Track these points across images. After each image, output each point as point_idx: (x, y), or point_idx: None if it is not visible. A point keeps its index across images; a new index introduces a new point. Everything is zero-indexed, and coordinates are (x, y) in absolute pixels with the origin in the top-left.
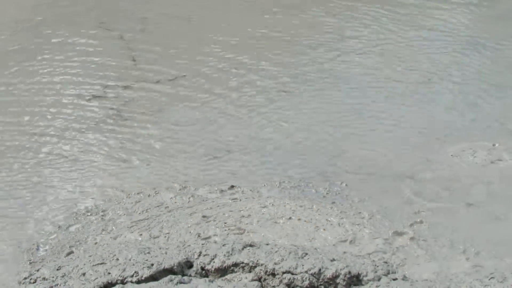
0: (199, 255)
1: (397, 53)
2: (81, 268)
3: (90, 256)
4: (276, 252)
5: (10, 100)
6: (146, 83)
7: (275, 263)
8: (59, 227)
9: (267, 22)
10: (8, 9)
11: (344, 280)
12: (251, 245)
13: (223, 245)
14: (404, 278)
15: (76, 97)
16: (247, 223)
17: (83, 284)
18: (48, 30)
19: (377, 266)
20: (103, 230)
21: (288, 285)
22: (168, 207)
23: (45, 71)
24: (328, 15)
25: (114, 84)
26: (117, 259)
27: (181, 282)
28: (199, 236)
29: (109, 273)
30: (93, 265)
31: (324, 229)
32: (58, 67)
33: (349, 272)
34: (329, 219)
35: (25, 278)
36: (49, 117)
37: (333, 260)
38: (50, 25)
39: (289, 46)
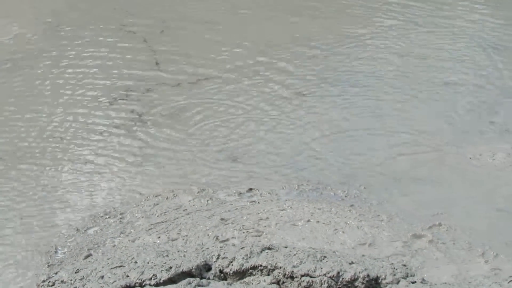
0: (218, 258)
1: (416, 57)
2: (100, 271)
3: (109, 259)
4: (294, 255)
5: (30, 102)
6: (167, 86)
7: (294, 266)
8: (77, 230)
9: (288, 25)
10: (29, 12)
11: (362, 283)
12: (269, 248)
13: (242, 248)
14: (423, 281)
15: (97, 100)
16: (265, 226)
17: (101, 287)
18: (69, 33)
19: (396, 269)
20: (121, 232)
21: None
22: (186, 209)
23: (67, 74)
24: (348, 20)
25: (136, 86)
26: (136, 262)
27: (199, 285)
28: (217, 238)
29: (128, 276)
30: (112, 268)
31: (343, 232)
32: (80, 70)
33: (368, 275)
34: (348, 221)
35: (43, 281)
36: (69, 120)
37: (351, 263)
38: (71, 28)
39: (309, 50)
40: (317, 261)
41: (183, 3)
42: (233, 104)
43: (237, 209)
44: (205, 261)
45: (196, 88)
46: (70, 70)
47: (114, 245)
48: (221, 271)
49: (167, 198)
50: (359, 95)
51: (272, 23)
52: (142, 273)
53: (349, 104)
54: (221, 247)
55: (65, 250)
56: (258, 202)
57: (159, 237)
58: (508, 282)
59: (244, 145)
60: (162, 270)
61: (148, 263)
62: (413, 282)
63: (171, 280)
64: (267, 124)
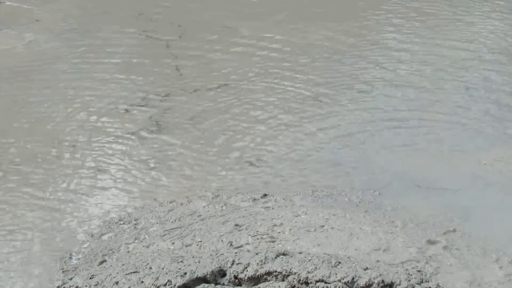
0: (232, 264)
1: (433, 62)
2: (114, 277)
3: (123, 264)
4: (309, 260)
5: (45, 108)
6: (185, 92)
7: (308, 272)
8: (92, 235)
9: (304, 30)
10: (51, 16)
11: None
12: (284, 254)
13: (256, 254)
14: (438, 287)
15: (115, 106)
16: (279, 232)
17: None
18: (90, 37)
19: (411, 275)
20: (135, 238)
21: None
22: (200, 215)
23: (85, 79)
24: (364, 26)
25: (155, 92)
26: (150, 268)
27: None
28: (231, 244)
29: (142, 281)
30: (126, 274)
31: (357, 238)
32: (101, 74)
33: (383, 281)
34: (362, 227)
35: (58, 287)
36: (87, 125)
37: (366, 268)
38: (92, 31)
39: (327, 54)
40: (332, 267)
41: (201, 9)
42: (249, 111)
43: (251, 215)
44: (219, 266)
45: (213, 95)
46: (87, 75)
47: (129, 251)
48: (235, 277)
49: (181, 204)
50: (375, 100)
51: (289, 27)
52: (157, 278)
53: (365, 109)
54: (235, 253)
55: (80, 256)
56: (273, 208)
57: (173, 243)
58: None
59: (259, 151)
60: (177, 276)
61: (163, 269)
62: None
63: (186, 286)
64: (282, 130)
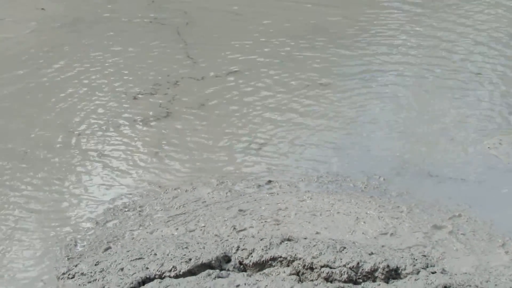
0: (237, 250)
1: (442, 48)
2: (119, 263)
3: (128, 251)
4: (314, 246)
5: (52, 95)
6: (194, 79)
7: (313, 257)
8: (97, 223)
9: (310, 14)
10: (56, 5)
11: (382, 273)
12: (289, 239)
13: (261, 239)
14: (443, 271)
15: (122, 93)
16: (284, 216)
17: (121, 279)
18: (97, 25)
19: (416, 260)
20: (140, 225)
21: (326, 279)
22: (205, 202)
23: (96, 65)
24: (372, 12)
25: (163, 79)
26: (155, 254)
27: (219, 277)
28: (234, 228)
29: (147, 268)
30: (131, 260)
31: (364, 222)
32: (109, 61)
33: (388, 266)
34: (368, 212)
35: (64, 274)
36: (94, 112)
37: (371, 253)
38: (99, 20)
39: (336, 40)
40: (337, 252)
41: None
42: (257, 98)
43: (256, 200)
44: (224, 252)
45: (221, 81)
46: (96, 63)
47: (133, 238)
48: (240, 263)
49: (186, 191)
50: (380, 86)
51: (295, 12)
52: (162, 265)
53: (370, 95)
54: (240, 238)
55: (85, 243)
56: (277, 194)
57: (177, 228)
58: None
59: (265, 138)
60: (181, 262)
61: (167, 255)
62: (433, 273)
63: (191, 272)
64: (287, 116)
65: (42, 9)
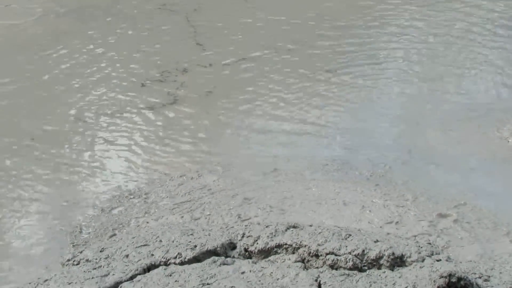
0: (243, 237)
1: (448, 36)
2: (124, 250)
3: (133, 238)
4: (319, 233)
5: (59, 82)
6: (202, 66)
7: (319, 244)
8: (102, 210)
9: (321, 3)
10: None
11: (387, 261)
12: (294, 227)
13: (267, 227)
14: (448, 259)
15: (133, 80)
16: (289, 205)
17: (126, 265)
18: (105, 12)
19: (421, 247)
20: (146, 212)
21: (331, 266)
22: (210, 189)
23: (103, 52)
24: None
25: (172, 66)
26: (160, 241)
27: (224, 264)
28: (239, 217)
29: (152, 254)
30: (136, 247)
31: (370, 211)
32: (117, 48)
33: (393, 253)
34: (373, 200)
35: (68, 260)
36: (101, 99)
37: (376, 241)
38: (109, 9)
39: (343, 29)
40: (342, 239)
41: None
42: (265, 84)
43: (261, 188)
44: (230, 239)
45: (229, 69)
46: (103, 49)
47: (139, 225)
48: (246, 250)
49: (191, 178)
50: (386, 74)
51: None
52: (167, 251)
53: (378, 82)
54: (245, 225)
55: (90, 230)
56: (283, 182)
57: (182, 216)
58: None
59: (272, 125)
60: (187, 249)
61: (173, 241)
62: (438, 260)
63: (196, 259)
64: (294, 104)
65: None
